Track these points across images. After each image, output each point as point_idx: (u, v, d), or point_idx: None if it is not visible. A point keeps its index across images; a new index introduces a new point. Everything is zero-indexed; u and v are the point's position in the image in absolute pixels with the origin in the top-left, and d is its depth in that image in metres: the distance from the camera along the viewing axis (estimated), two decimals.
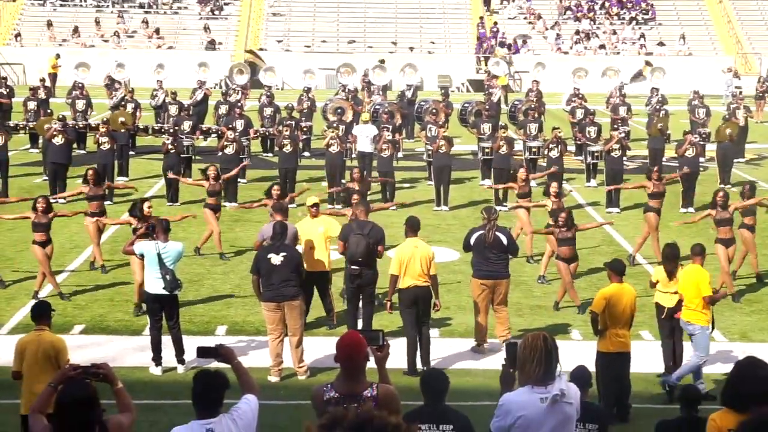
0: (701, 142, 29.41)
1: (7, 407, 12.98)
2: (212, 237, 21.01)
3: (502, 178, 25.53)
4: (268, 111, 32.92)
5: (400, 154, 30.65)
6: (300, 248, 16.07)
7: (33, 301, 17.57)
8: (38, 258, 17.93)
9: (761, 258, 20.26)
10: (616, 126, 31.26)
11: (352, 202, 18.55)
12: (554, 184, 20.60)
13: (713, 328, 14.51)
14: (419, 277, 14.70)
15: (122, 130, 28.90)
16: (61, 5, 60.16)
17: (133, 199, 21.78)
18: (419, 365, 14.66)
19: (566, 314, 17.67)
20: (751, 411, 6.76)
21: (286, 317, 14.49)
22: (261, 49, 57.33)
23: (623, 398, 13.36)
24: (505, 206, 24.72)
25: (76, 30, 57.40)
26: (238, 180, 26.43)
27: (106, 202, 20.98)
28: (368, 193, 23.21)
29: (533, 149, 28.69)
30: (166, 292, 14.69)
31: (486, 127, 29.13)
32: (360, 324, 15.50)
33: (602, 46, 58.26)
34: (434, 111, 31.85)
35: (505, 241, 15.47)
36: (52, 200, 19.72)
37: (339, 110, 31.51)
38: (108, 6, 60.13)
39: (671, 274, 14.61)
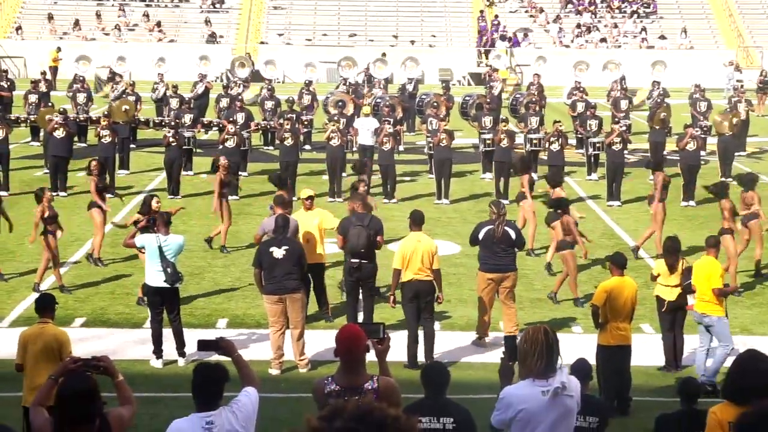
0: (702, 136, 29.39)
1: (8, 400, 12.99)
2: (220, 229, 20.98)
3: (504, 171, 25.53)
4: (269, 104, 32.91)
5: (401, 148, 30.64)
6: None
7: (34, 294, 17.64)
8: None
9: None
10: (617, 119, 31.24)
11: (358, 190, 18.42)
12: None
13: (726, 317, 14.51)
14: (422, 271, 14.66)
15: (124, 120, 28.88)
16: None
17: (132, 192, 21.85)
18: (421, 359, 14.65)
19: (567, 307, 17.67)
20: (752, 404, 6.76)
21: (288, 310, 14.50)
22: (262, 43, 57.29)
23: (624, 391, 13.37)
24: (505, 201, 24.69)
25: (77, 23, 57.39)
26: (239, 173, 26.43)
27: (108, 195, 20.96)
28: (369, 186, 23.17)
29: (534, 142, 28.67)
30: (167, 285, 14.69)
31: (487, 121, 29.12)
32: (361, 317, 15.51)
33: (603, 40, 58.23)
34: (435, 104, 31.83)
35: (513, 235, 15.46)
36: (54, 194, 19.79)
37: (340, 103, 31.50)
38: None
39: (672, 267, 14.62)
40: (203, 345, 7.76)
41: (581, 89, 35.17)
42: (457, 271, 19.41)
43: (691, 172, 25.99)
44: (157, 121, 32.26)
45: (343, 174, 26.12)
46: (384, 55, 46.29)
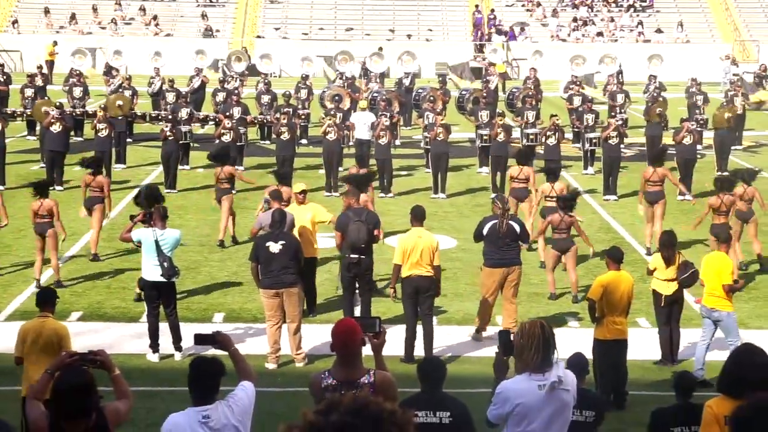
0: (698, 129, 29.41)
1: (6, 393, 13.00)
2: (222, 223, 20.95)
3: (500, 165, 25.53)
4: (265, 98, 32.90)
5: (397, 142, 30.63)
6: None
7: (31, 288, 17.65)
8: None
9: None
10: (613, 113, 31.25)
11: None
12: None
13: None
14: (422, 267, 14.59)
15: (119, 116, 28.88)
16: None
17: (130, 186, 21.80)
18: (419, 354, 14.64)
19: (563, 302, 17.69)
20: (747, 397, 6.77)
21: (285, 304, 14.50)
22: (258, 37, 57.24)
23: (620, 385, 13.38)
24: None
25: (73, 17, 57.30)
26: (236, 167, 26.39)
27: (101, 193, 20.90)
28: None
29: (531, 136, 28.67)
30: (164, 280, 14.69)
31: (484, 115, 29.11)
32: (358, 312, 15.51)
33: (600, 34, 58.22)
34: (432, 98, 31.81)
35: (518, 229, 15.46)
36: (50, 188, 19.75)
37: (336, 98, 31.49)
38: None
39: (668, 261, 14.62)
40: (200, 339, 7.76)
41: (578, 83, 35.17)
42: (453, 265, 19.41)
43: (687, 166, 25.99)
44: (153, 115, 32.25)
45: (340, 168, 26.12)
46: (381, 49, 46.30)
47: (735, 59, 51.88)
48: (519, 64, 54.24)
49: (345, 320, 8.05)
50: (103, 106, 28.56)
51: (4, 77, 37.43)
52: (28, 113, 31.53)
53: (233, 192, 21.93)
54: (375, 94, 33.97)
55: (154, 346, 14.83)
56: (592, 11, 60.70)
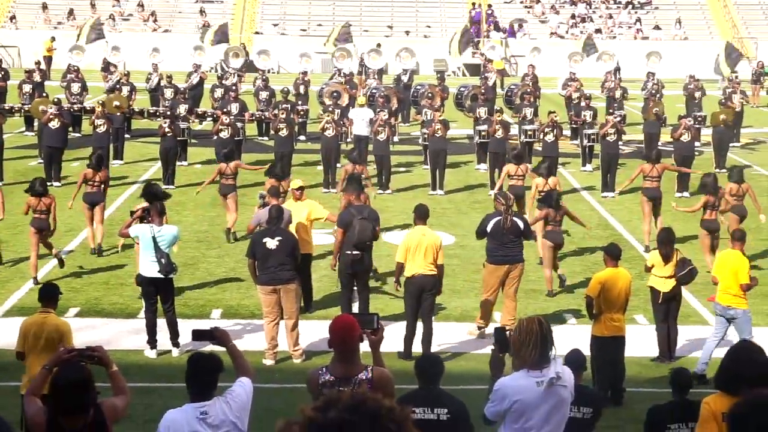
0: (697, 126, 29.41)
1: (4, 389, 13.00)
2: (231, 216, 21.04)
3: (498, 162, 25.53)
4: (263, 95, 32.89)
5: (396, 138, 30.63)
6: None
7: (28, 284, 17.67)
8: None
9: (758, 243, 20.30)
10: (611, 110, 31.25)
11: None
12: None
13: None
14: (426, 265, 14.54)
15: (117, 114, 28.87)
16: None
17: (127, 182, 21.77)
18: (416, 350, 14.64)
19: (561, 298, 17.70)
20: (744, 394, 6.78)
21: (282, 301, 14.50)
22: (256, 33, 57.22)
23: (617, 382, 13.38)
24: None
25: (71, 13, 57.28)
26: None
27: (101, 189, 20.93)
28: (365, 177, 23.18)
29: (529, 133, 28.69)
30: (161, 276, 14.68)
31: (482, 111, 29.11)
32: (355, 308, 15.50)
33: (598, 31, 58.22)
34: (430, 95, 31.82)
35: (521, 225, 15.47)
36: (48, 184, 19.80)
37: (335, 94, 31.47)
38: None
39: (666, 258, 14.63)
40: (198, 335, 7.77)
41: (575, 80, 35.17)
42: (451, 262, 19.37)
43: (685, 163, 25.99)
44: (151, 111, 32.24)
45: (338, 165, 26.11)
46: (379, 45, 46.24)
47: None
48: (517, 60, 54.23)
49: (343, 317, 8.06)
50: (101, 102, 28.54)
51: (2, 73, 37.38)
52: (26, 109, 31.51)
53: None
54: (373, 91, 33.96)
55: (152, 342, 14.82)
56: (590, 8, 60.70)
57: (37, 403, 6.95)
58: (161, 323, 14.84)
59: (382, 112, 27.07)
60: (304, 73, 35.78)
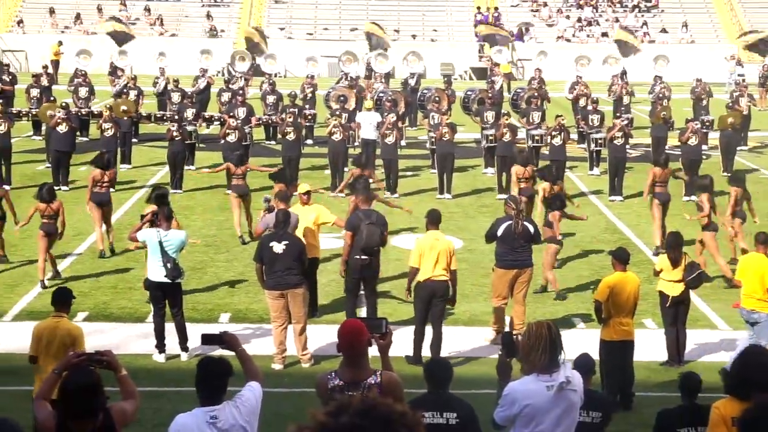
0: (704, 130, 29.38)
1: (14, 393, 13.01)
2: (245, 217, 21.26)
3: (506, 166, 25.50)
4: (270, 99, 32.91)
5: (403, 142, 30.62)
6: None
7: (37, 289, 17.70)
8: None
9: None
10: (618, 114, 31.21)
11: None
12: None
13: None
14: (438, 271, 14.48)
15: (125, 118, 28.91)
16: None
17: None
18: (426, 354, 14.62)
19: (569, 302, 17.68)
20: (754, 399, 6.77)
21: (290, 305, 14.49)
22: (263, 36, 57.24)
23: (626, 386, 13.37)
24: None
25: (78, 17, 57.37)
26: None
27: (110, 190, 21.01)
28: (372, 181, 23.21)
29: (536, 137, 28.67)
30: (168, 280, 14.69)
31: (489, 115, 29.10)
32: (361, 313, 15.50)
33: (605, 34, 58.17)
34: (437, 99, 31.81)
35: (532, 230, 15.46)
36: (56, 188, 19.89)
37: (341, 98, 31.48)
38: None
39: (675, 262, 14.61)
40: (207, 339, 7.77)
41: (582, 83, 35.16)
42: (459, 266, 19.27)
43: (692, 167, 25.96)
44: (159, 116, 32.27)
45: (345, 169, 26.11)
46: (386, 49, 46.23)
47: (740, 60, 51.80)
48: (524, 64, 54.21)
49: (351, 321, 8.05)
50: (108, 106, 28.57)
51: (10, 77, 37.46)
52: (34, 113, 31.56)
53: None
54: (381, 94, 33.95)
55: (161, 346, 14.84)
56: (596, 12, 60.67)
57: (47, 407, 6.95)
58: (170, 327, 14.85)
59: (390, 115, 27.06)
60: (311, 77, 35.79)
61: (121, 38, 42.12)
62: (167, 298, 14.82)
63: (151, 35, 56.38)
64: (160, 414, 12.21)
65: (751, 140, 34.26)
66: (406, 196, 25.66)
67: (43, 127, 30.14)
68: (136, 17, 58.51)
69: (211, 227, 22.36)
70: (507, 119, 27.01)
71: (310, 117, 32.69)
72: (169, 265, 14.63)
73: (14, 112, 31.80)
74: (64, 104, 27.81)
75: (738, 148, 30.76)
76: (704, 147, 27.80)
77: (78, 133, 29.35)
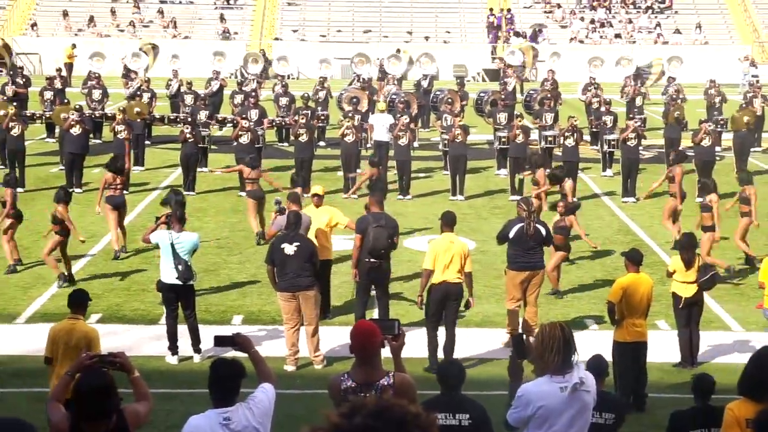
0: (718, 130, 29.32)
1: (27, 395, 13.04)
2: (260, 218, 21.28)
3: (518, 167, 25.48)
4: (283, 101, 32.95)
5: (416, 144, 30.62)
6: None
7: (51, 290, 17.74)
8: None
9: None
10: (632, 115, 31.16)
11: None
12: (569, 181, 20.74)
13: None
14: (453, 273, 14.42)
15: (138, 120, 28.97)
16: None
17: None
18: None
19: (582, 304, 17.65)
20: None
21: (302, 307, 14.49)
22: (276, 39, 57.32)
23: (640, 388, 13.34)
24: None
25: (91, 20, 57.52)
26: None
27: (124, 192, 21.11)
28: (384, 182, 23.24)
29: (549, 138, 28.64)
30: (180, 282, 14.71)
31: (502, 117, 29.08)
32: (376, 315, 15.48)
33: (618, 35, 58.10)
34: (450, 100, 31.80)
35: (544, 232, 15.41)
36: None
37: (354, 100, 31.49)
38: None
39: (688, 264, 14.58)
40: (219, 341, 7.77)
41: (596, 85, 35.12)
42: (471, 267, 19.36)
43: (705, 168, 25.90)
44: (172, 118, 32.33)
45: (358, 170, 26.12)
46: (398, 51, 46.29)
47: (754, 60, 51.69)
48: (537, 65, 54.15)
49: (364, 322, 8.04)
50: (121, 108, 28.65)
51: (24, 80, 37.54)
52: (48, 116, 31.65)
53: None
54: (393, 96, 33.96)
55: (173, 348, 14.85)
56: (610, 13, 60.59)
57: (60, 409, 6.97)
58: (182, 329, 14.87)
59: (404, 117, 27.06)
60: (324, 79, 35.82)
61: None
62: (180, 300, 14.84)
63: (165, 38, 56.46)
64: (172, 416, 12.23)
65: (764, 141, 34.14)
66: (419, 198, 25.65)
67: (57, 130, 30.22)
68: (149, 20, 58.65)
69: (223, 229, 22.38)
70: (520, 121, 26.98)
71: (323, 117, 32.71)
72: (180, 267, 14.65)
73: (28, 114, 31.90)
74: (77, 106, 27.88)
75: (752, 149, 30.67)
76: (717, 148, 27.72)
77: (91, 136, 29.43)
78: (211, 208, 24.21)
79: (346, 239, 19.58)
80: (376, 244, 15.23)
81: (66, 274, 18.29)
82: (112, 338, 15.29)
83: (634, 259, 13.69)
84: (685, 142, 29.80)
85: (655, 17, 59.82)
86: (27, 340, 15.31)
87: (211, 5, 60.22)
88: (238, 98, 33.31)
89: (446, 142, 27.42)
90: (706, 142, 26.12)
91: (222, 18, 58.14)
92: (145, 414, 7.18)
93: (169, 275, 14.72)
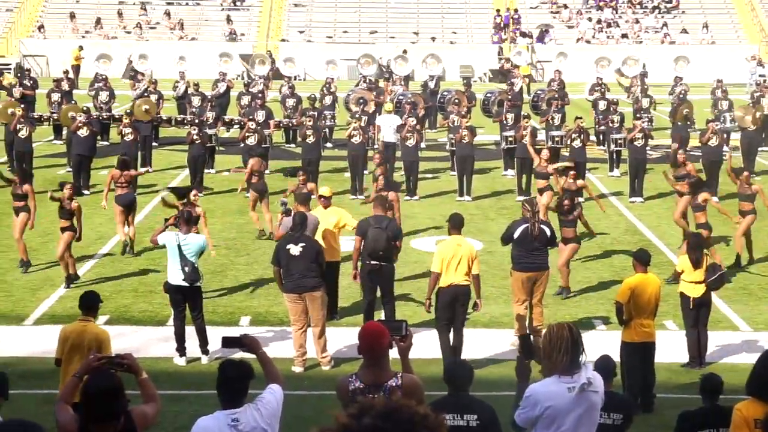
0: (727, 127, 29.26)
1: (35, 397, 13.06)
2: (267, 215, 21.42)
3: (526, 168, 25.46)
4: (290, 102, 32.97)
5: (423, 145, 30.62)
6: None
7: (59, 292, 17.77)
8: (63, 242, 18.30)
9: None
10: (639, 115, 31.13)
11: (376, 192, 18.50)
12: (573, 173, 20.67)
13: None
14: (461, 276, 14.37)
15: (145, 120, 29.00)
16: None
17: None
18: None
19: (589, 304, 17.64)
20: None
21: (308, 308, 14.49)
22: (283, 40, 57.37)
23: (647, 388, 13.33)
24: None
25: (98, 22, 57.58)
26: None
27: (134, 192, 21.23)
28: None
29: (556, 139, 28.62)
30: (187, 284, 14.72)
31: (509, 117, 29.06)
32: (382, 316, 15.48)
33: (625, 35, 58.05)
34: (457, 101, 31.79)
35: (548, 233, 15.40)
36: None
37: (361, 101, 31.50)
38: None
39: (696, 264, 14.56)
40: (227, 342, 7.77)
41: (603, 85, 35.10)
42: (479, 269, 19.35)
43: (712, 168, 25.87)
44: (179, 119, 32.37)
45: (365, 171, 26.12)
46: (405, 52, 46.28)
47: (761, 60, 51.60)
48: (543, 66, 54.14)
49: (372, 323, 8.04)
50: (128, 110, 28.68)
51: (31, 82, 37.63)
52: (55, 118, 31.69)
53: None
54: (400, 97, 33.97)
55: (181, 349, 14.86)
56: (616, 13, 60.53)
57: (68, 411, 6.97)
58: (190, 331, 14.88)
59: (411, 118, 27.06)
60: (331, 80, 35.83)
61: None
62: (187, 302, 14.85)
63: (171, 39, 56.53)
64: (181, 417, 12.24)
65: None
66: (427, 198, 25.65)
67: (64, 132, 30.27)
68: (156, 21, 58.71)
69: (231, 230, 22.39)
70: (527, 121, 26.97)
71: (330, 118, 32.72)
72: (187, 268, 14.66)
73: (35, 116, 31.94)
74: (85, 108, 27.93)
75: (759, 149, 30.62)
76: (725, 148, 27.68)
77: (99, 137, 29.48)
78: (218, 210, 24.22)
79: (354, 240, 19.58)
80: (375, 246, 15.22)
81: (70, 274, 18.32)
82: (120, 340, 15.30)
83: (642, 259, 13.68)
84: (693, 141, 29.77)
85: (662, 17, 59.75)
86: (35, 341, 15.33)
87: (218, 7, 60.28)
88: (245, 99, 33.34)
89: (453, 142, 27.42)
90: (713, 141, 26.09)
91: (228, 19, 58.18)
92: (153, 415, 7.18)
93: (176, 277, 14.74)
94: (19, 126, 26.60)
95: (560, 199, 18.64)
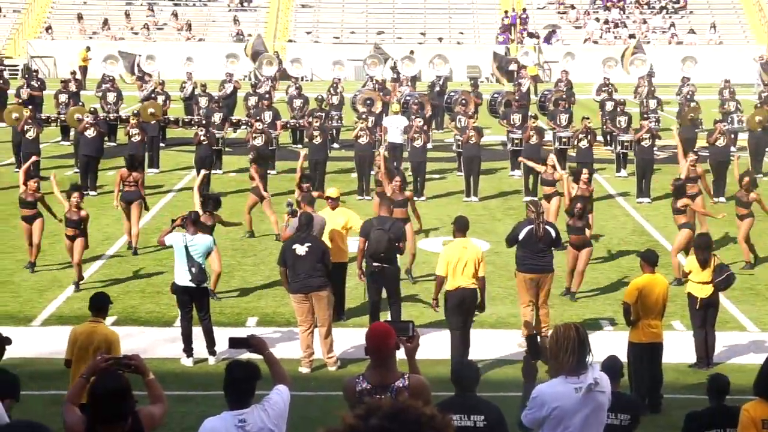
0: (737, 124, 29.20)
1: (43, 398, 13.07)
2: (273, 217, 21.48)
3: (532, 169, 25.42)
4: (297, 102, 32.98)
5: (429, 145, 30.61)
6: None
7: (67, 293, 17.79)
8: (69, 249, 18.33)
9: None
10: (646, 116, 31.09)
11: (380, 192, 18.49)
12: (585, 171, 20.57)
13: None
14: (467, 278, 14.34)
15: (152, 122, 29.02)
16: None
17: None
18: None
19: (596, 304, 17.62)
20: None
21: (315, 308, 14.49)
22: (290, 41, 57.38)
23: (655, 389, 13.31)
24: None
25: (106, 23, 57.67)
26: (267, 171, 26.43)
27: (141, 191, 21.26)
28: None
29: (563, 139, 28.60)
30: (193, 285, 14.73)
31: (516, 118, 29.05)
32: (388, 317, 15.48)
33: (632, 36, 57.98)
34: (464, 102, 31.77)
35: (554, 234, 15.37)
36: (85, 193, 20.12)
37: (368, 101, 31.50)
38: None
39: (704, 264, 14.53)
40: (234, 342, 7.78)
41: (610, 85, 35.07)
42: (485, 269, 19.33)
43: (720, 168, 25.83)
44: (186, 120, 32.38)
45: (372, 172, 26.12)
46: (412, 52, 46.28)
47: None
48: (550, 66, 54.10)
49: (378, 324, 8.05)
50: (136, 111, 28.72)
51: (39, 83, 37.70)
52: (63, 119, 31.73)
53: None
54: (407, 98, 33.96)
55: (188, 350, 14.87)
56: (624, 13, 60.48)
57: (76, 412, 6.97)
58: (197, 331, 14.88)
59: (418, 119, 27.06)
60: (338, 81, 35.83)
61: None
62: (194, 302, 14.87)
63: (179, 40, 56.60)
64: (188, 418, 12.25)
65: None
66: (434, 199, 25.64)
67: (72, 133, 30.30)
68: (163, 22, 58.78)
69: (238, 231, 22.39)
70: (534, 122, 26.95)
71: (337, 118, 32.72)
72: (194, 269, 14.68)
73: (43, 117, 31.98)
74: (92, 109, 27.95)
75: (767, 149, 30.54)
76: (733, 148, 27.63)
77: (106, 138, 29.51)
78: (225, 211, 24.15)
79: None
80: (377, 247, 15.20)
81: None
82: (127, 340, 15.29)
83: (650, 259, 13.66)
84: (701, 142, 29.72)
85: (670, 17, 59.68)
86: (43, 342, 15.35)
87: (225, 7, 60.33)
88: (252, 100, 33.35)
89: (460, 143, 27.41)
90: (721, 142, 26.05)
91: (236, 20, 58.22)
92: (160, 416, 7.19)
93: (183, 277, 14.75)
94: (26, 127, 26.64)
95: (572, 202, 18.57)
